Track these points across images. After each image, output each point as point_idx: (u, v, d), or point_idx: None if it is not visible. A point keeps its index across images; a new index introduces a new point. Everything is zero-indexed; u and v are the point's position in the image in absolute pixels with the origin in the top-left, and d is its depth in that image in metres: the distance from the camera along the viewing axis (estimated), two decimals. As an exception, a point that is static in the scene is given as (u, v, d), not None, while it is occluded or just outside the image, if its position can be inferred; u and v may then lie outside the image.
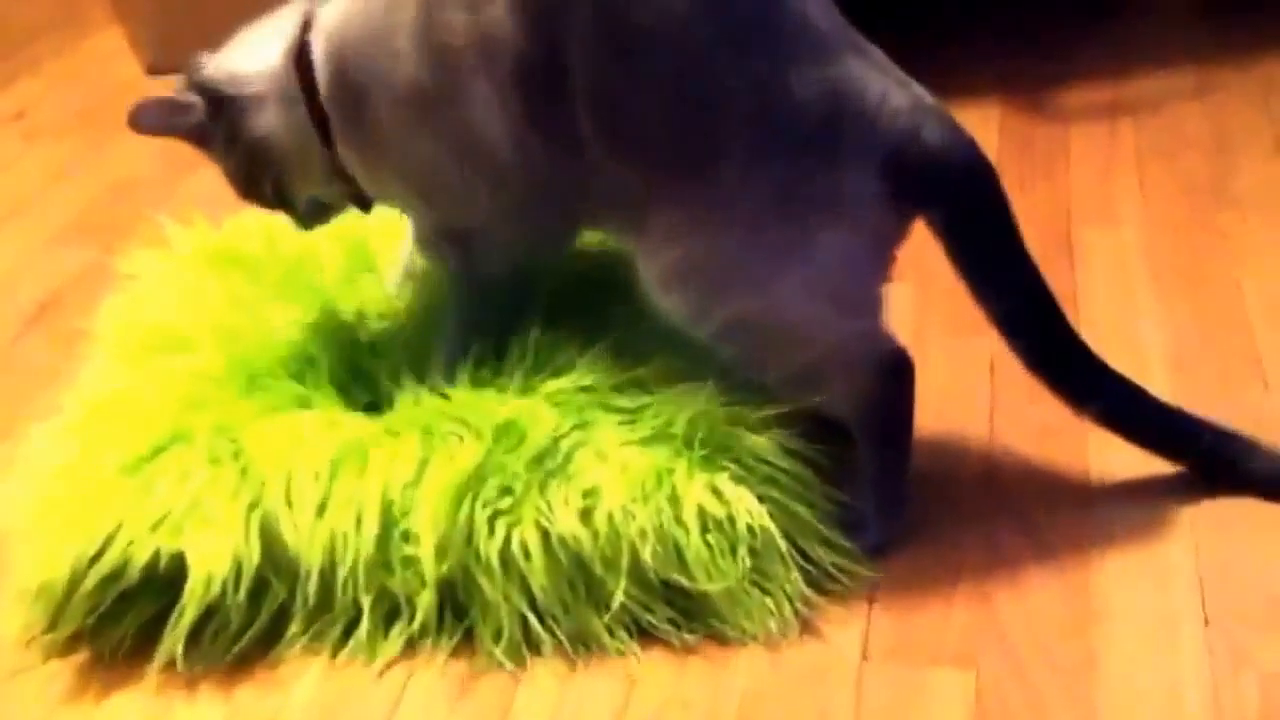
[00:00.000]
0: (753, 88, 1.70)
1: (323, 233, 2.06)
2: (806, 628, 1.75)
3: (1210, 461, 1.90)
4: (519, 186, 1.80)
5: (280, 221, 2.06)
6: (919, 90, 1.77)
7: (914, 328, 2.12)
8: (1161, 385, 1.98)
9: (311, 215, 1.98)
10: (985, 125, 2.76)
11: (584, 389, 1.83)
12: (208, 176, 2.57)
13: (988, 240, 1.80)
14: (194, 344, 1.96)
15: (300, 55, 1.84)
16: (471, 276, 1.91)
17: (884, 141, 1.72)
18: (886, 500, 1.87)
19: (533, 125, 1.75)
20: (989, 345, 1.88)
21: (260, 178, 1.90)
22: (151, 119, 1.88)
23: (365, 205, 1.96)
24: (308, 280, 2.09)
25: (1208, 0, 3.26)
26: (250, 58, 1.87)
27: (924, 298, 2.20)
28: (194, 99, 1.86)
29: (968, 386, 2.10)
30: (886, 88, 1.73)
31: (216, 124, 1.87)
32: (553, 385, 1.84)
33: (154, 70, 3.26)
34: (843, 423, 1.86)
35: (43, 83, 3.36)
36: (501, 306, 1.91)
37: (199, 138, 1.89)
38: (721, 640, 1.74)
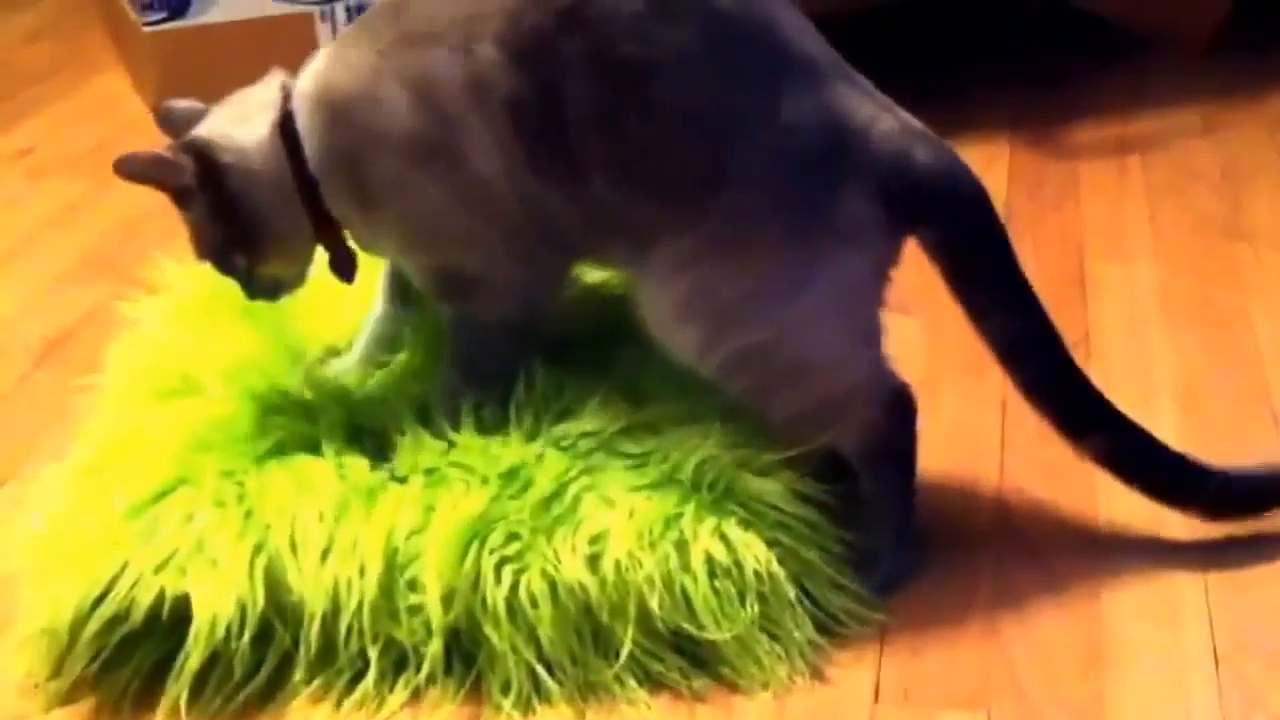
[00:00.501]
0: (750, 115, 1.72)
1: (329, 279, 2.05)
2: (816, 671, 1.74)
3: (1212, 506, 1.88)
4: (520, 227, 1.80)
5: None
6: (905, 115, 1.79)
7: (926, 365, 2.12)
8: (1171, 420, 1.99)
9: (264, 289, 1.95)
10: (996, 162, 2.77)
11: (591, 434, 1.83)
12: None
13: (982, 261, 1.81)
14: (199, 388, 1.95)
15: (285, 126, 1.83)
16: (475, 321, 1.90)
17: (878, 164, 1.74)
18: (895, 536, 1.86)
19: (530, 164, 1.75)
20: (1000, 383, 1.88)
21: (234, 247, 1.88)
22: (139, 171, 1.85)
23: (347, 273, 1.94)
24: (313, 325, 2.08)
25: (1215, 37, 3.25)
26: (242, 127, 1.85)
27: (936, 335, 2.20)
28: (185, 161, 1.84)
29: (979, 425, 2.10)
30: (876, 112, 1.76)
31: (204, 189, 1.84)
32: (560, 430, 1.83)
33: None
34: (847, 458, 1.85)
35: (49, 122, 3.36)
36: (504, 351, 1.90)
37: (180, 196, 1.86)
38: (731, 687, 1.72)
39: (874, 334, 1.83)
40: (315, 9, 3.18)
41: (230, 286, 2.07)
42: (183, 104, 1.92)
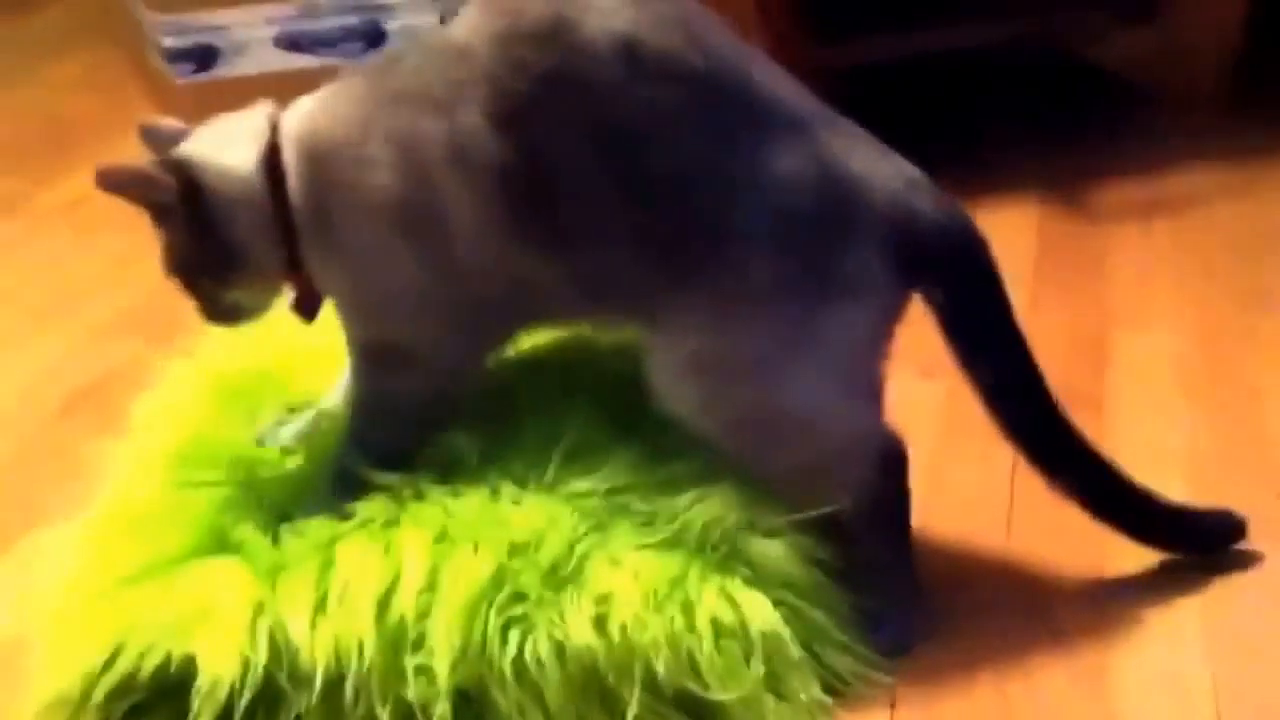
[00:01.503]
0: (741, 173, 1.70)
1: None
2: (828, 723, 1.75)
3: (1181, 542, 1.94)
4: (480, 300, 1.80)
5: (305, 337, 2.08)
6: (901, 161, 1.78)
7: (943, 428, 2.12)
8: (1178, 491, 1.98)
9: (225, 314, 1.96)
10: (1024, 226, 2.77)
11: (601, 492, 1.83)
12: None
13: (980, 308, 1.81)
14: (210, 459, 1.95)
15: (270, 158, 1.83)
16: (381, 394, 1.89)
17: (880, 217, 1.73)
18: (900, 596, 1.86)
19: (514, 231, 1.75)
20: (1001, 445, 1.88)
21: (204, 268, 1.89)
22: (122, 184, 1.87)
23: (308, 313, 1.94)
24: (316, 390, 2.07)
25: (1243, 98, 3.25)
26: (228, 152, 1.85)
27: (955, 398, 2.16)
28: (167, 178, 1.85)
29: (989, 487, 2.10)
30: (872, 162, 1.75)
31: (183, 207, 1.85)
32: (575, 487, 1.83)
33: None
34: (841, 520, 1.84)
35: (92, 176, 3.37)
36: (410, 429, 1.89)
37: (158, 213, 1.88)
38: None
39: (875, 389, 1.82)
40: (342, 62, 3.24)
41: (261, 358, 2.10)
42: (167, 123, 1.93)
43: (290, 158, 1.83)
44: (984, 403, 1.83)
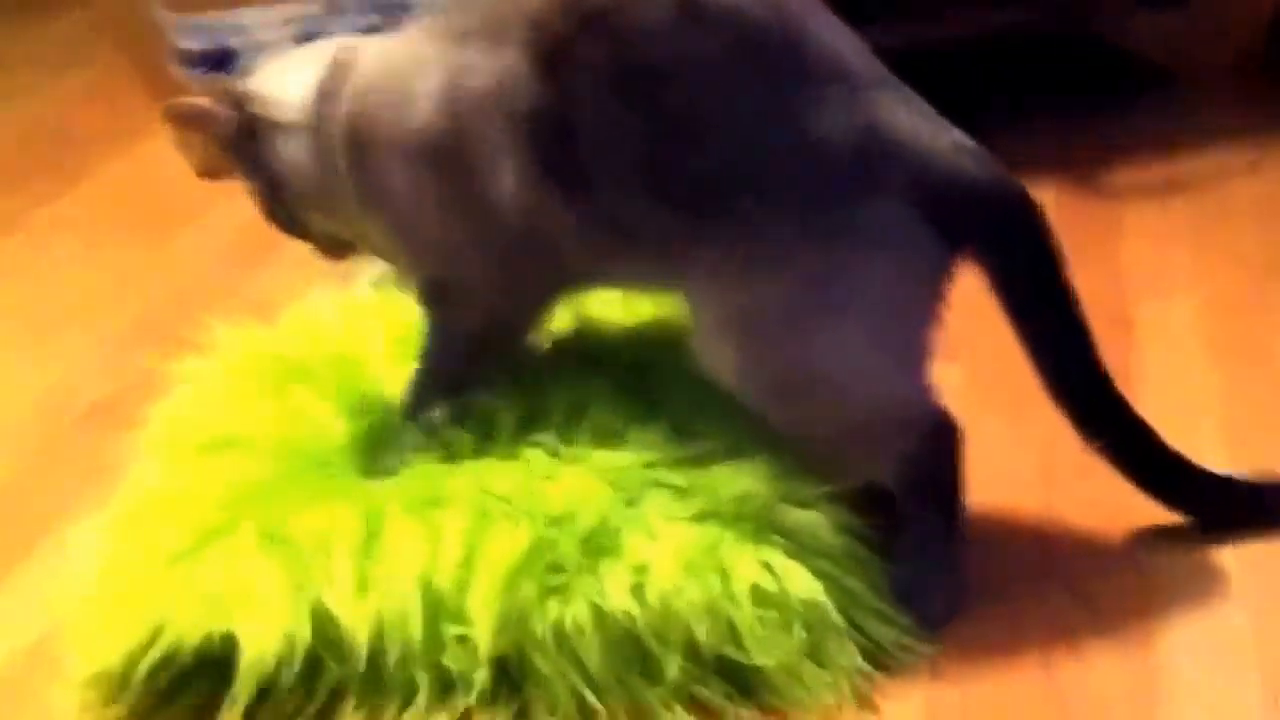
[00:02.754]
0: (778, 125, 1.69)
1: (371, 328, 2.09)
2: (865, 703, 1.73)
3: (1218, 511, 1.92)
4: (515, 246, 1.80)
5: (329, 319, 2.11)
6: (957, 132, 1.76)
7: (968, 409, 2.10)
8: (1215, 458, 1.97)
9: (331, 249, 2.00)
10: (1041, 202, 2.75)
11: (636, 466, 1.83)
12: (269, 277, 2.60)
13: (1033, 277, 1.79)
14: (240, 444, 1.96)
15: (331, 92, 1.86)
16: (446, 329, 1.91)
17: (922, 178, 1.71)
18: (943, 569, 1.84)
19: (543, 178, 1.74)
20: (1044, 424, 1.87)
21: (280, 203, 1.93)
22: (185, 118, 1.92)
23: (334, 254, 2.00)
24: (353, 378, 2.07)
25: (1258, 75, 3.24)
26: (287, 83, 1.89)
27: (977, 379, 2.19)
28: (228, 113, 1.89)
29: (1022, 466, 2.09)
30: (922, 125, 1.73)
31: (246, 141, 1.89)
32: (607, 460, 1.83)
33: (205, 175, 3.29)
34: (889, 489, 1.83)
35: (102, 187, 3.39)
36: (467, 364, 1.91)
37: (228, 148, 1.91)
38: (780, 716, 1.72)
39: (919, 356, 1.79)
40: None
41: (273, 344, 2.09)
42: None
43: (349, 91, 1.84)
44: (1035, 368, 1.81)
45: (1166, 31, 3.31)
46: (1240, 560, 1.89)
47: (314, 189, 1.90)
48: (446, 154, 1.78)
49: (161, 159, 3.41)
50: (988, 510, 1.97)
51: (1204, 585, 1.87)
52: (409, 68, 1.82)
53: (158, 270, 2.91)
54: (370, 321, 2.15)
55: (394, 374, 2.03)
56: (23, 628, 1.95)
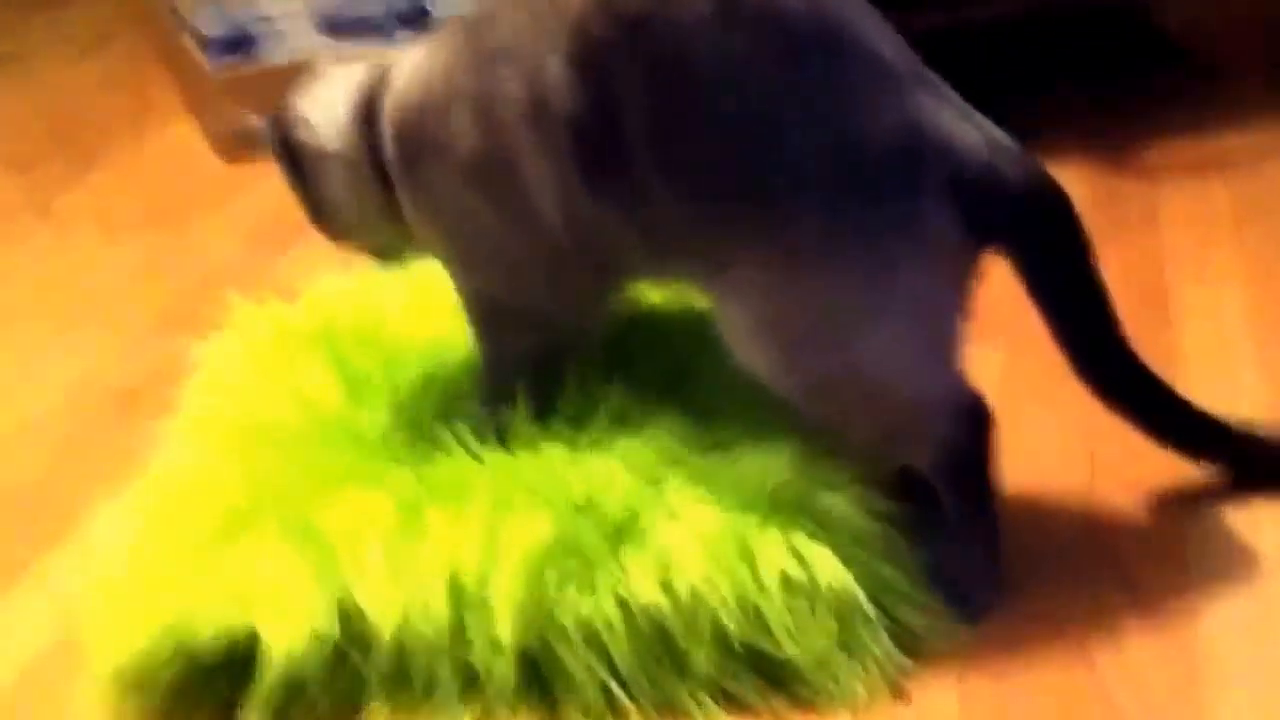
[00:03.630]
0: (819, 123, 1.67)
1: (395, 305, 2.09)
2: (900, 693, 1.72)
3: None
4: (564, 257, 1.81)
5: (350, 298, 2.12)
6: (992, 127, 1.74)
7: (1006, 393, 2.08)
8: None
9: (382, 253, 2.04)
10: (1074, 184, 2.63)
11: (660, 450, 1.81)
12: (291, 262, 2.59)
13: (1063, 272, 1.78)
14: (263, 431, 1.96)
15: (368, 113, 1.88)
16: (493, 348, 1.94)
17: (958, 175, 1.69)
18: (981, 555, 1.83)
19: (586, 184, 1.74)
20: (1084, 407, 1.85)
21: (324, 221, 1.96)
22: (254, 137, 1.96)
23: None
24: (377, 355, 2.07)
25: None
26: (322, 107, 1.92)
27: (1016, 363, 2.17)
28: (270, 131, 1.94)
29: (1064, 449, 2.06)
30: (957, 122, 1.72)
31: (284, 161, 1.93)
32: (628, 446, 1.82)
33: (231, 159, 3.28)
34: (925, 477, 1.81)
35: (120, 174, 3.40)
36: (527, 381, 1.91)
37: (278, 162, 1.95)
38: (812, 708, 1.70)
39: (952, 347, 1.79)
40: (385, 47, 3.20)
41: (297, 321, 2.09)
42: None
43: (387, 110, 1.88)
44: (1075, 371, 1.81)
45: (1202, 11, 3.28)
46: (1282, 543, 1.87)
47: (354, 213, 1.94)
48: (489, 171, 1.80)
49: (182, 145, 3.42)
50: (1029, 495, 1.96)
51: (1246, 570, 1.84)
52: (441, 91, 1.83)
53: (180, 257, 2.90)
54: (393, 297, 2.17)
55: (419, 350, 2.04)
56: (49, 620, 1.96)
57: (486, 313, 1.93)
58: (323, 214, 1.96)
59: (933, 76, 1.74)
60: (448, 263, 1.93)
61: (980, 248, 1.74)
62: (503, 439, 1.88)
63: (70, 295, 2.89)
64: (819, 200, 1.67)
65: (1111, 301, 1.79)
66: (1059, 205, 1.76)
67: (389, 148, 1.87)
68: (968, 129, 1.72)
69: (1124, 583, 1.83)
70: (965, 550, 1.82)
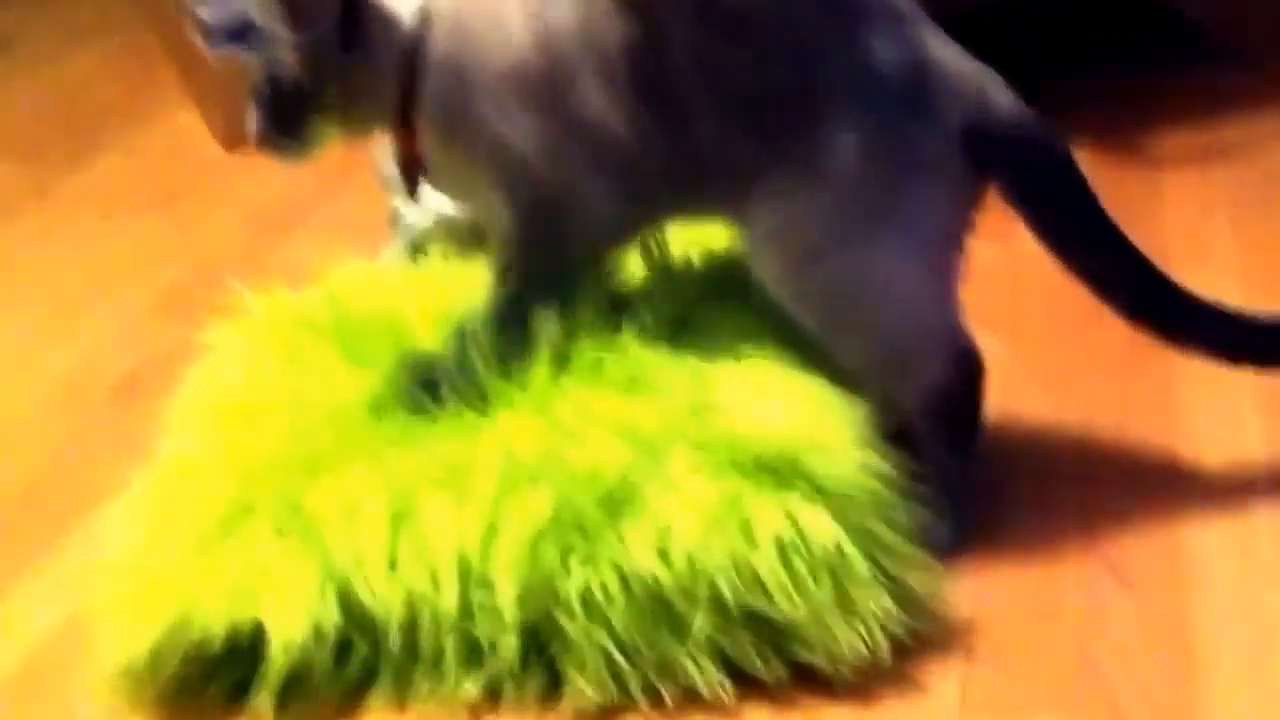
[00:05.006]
0: (843, 50, 1.80)
1: (402, 294, 2.08)
2: (903, 676, 1.72)
3: None
4: (620, 159, 1.87)
5: (353, 285, 2.09)
6: (981, 65, 1.86)
7: (1007, 380, 2.09)
8: (1254, 429, 1.98)
9: (290, 134, 1.96)
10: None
11: (657, 416, 1.81)
12: (294, 248, 2.58)
13: (1063, 199, 1.88)
14: (266, 416, 1.94)
15: (424, 11, 1.90)
16: (541, 246, 1.92)
17: (961, 103, 1.82)
18: (955, 499, 1.87)
19: (636, 108, 1.84)
20: (1083, 397, 1.85)
21: (329, 84, 1.92)
22: None
23: (411, 178, 1.99)
24: (377, 344, 2.04)
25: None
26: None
27: (1018, 351, 2.18)
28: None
29: (1061, 439, 2.08)
30: (955, 55, 1.85)
31: (341, 25, 1.89)
32: (626, 413, 1.81)
33: (232, 146, 3.27)
34: (910, 417, 1.88)
35: (120, 161, 3.38)
36: (558, 287, 1.91)
37: (294, 14, 1.91)
38: (811, 669, 1.71)
39: (952, 279, 1.88)
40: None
41: (298, 308, 2.10)
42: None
43: (440, 12, 1.90)
44: (1093, 292, 1.89)
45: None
46: (1277, 538, 1.88)
47: (374, 87, 1.91)
48: (544, 84, 1.86)
49: (184, 130, 3.42)
50: (1025, 486, 1.98)
51: (1243, 565, 1.86)
52: (492, 11, 1.89)
53: (182, 242, 2.90)
54: (401, 288, 2.14)
55: (425, 340, 2.02)
56: (53, 614, 1.95)
57: (525, 212, 1.91)
58: (353, 87, 1.91)
59: (929, 20, 1.86)
60: (492, 182, 1.91)
61: (978, 176, 1.84)
62: (516, 359, 1.88)
63: (70, 280, 2.88)
64: (833, 126, 1.79)
65: (1109, 219, 1.88)
66: (1046, 133, 1.86)
67: (438, 50, 1.88)
68: (964, 62, 1.85)
69: (1121, 576, 1.84)
70: (941, 490, 1.85)
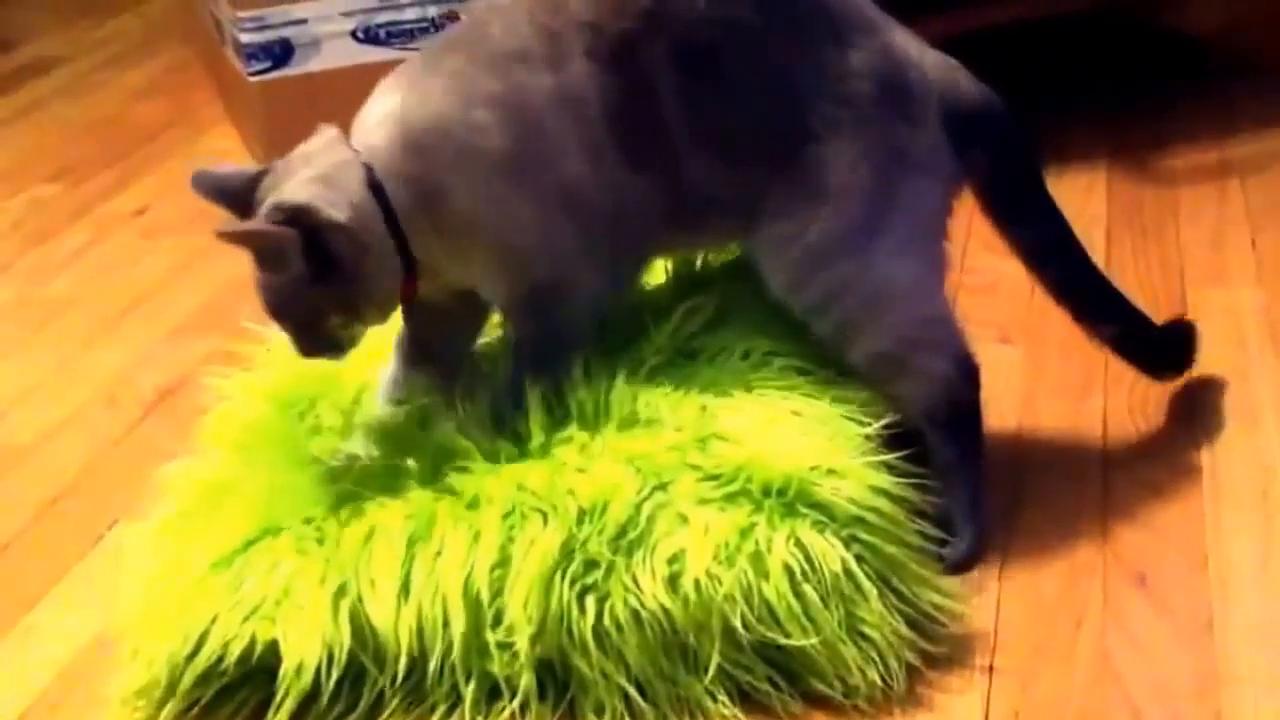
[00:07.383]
0: (818, 71, 1.86)
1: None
2: (923, 699, 1.72)
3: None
4: (605, 228, 1.87)
5: None
6: (945, 54, 1.94)
7: (1026, 392, 2.11)
8: (1275, 436, 1.98)
9: (330, 347, 1.90)
10: (1093, 189, 2.77)
11: (665, 448, 1.81)
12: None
13: (1019, 177, 1.98)
14: (281, 437, 1.95)
15: (370, 176, 1.82)
16: (551, 331, 1.91)
17: (939, 95, 1.90)
18: (968, 506, 1.90)
19: (625, 159, 1.85)
20: (1101, 407, 1.86)
21: (333, 308, 1.85)
22: (242, 240, 1.81)
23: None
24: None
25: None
26: (334, 189, 1.81)
27: (1035, 363, 2.20)
28: (287, 230, 1.78)
29: (1080, 449, 2.08)
30: (923, 49, 1.93)
31: (308, 254, 1.79)
32: (634, 446, 1.81)
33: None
34: (918, 423, 1.91)
35: (161, 181, 3.42)
36: (571, 352, 1.90)
37: (270, 262, 1.81)
38: (833, 707, 1.71)
39: (944, 270, 1.95)
40: (418, 54, 3.21)
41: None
42: (225, 168, 1.91)
43: (383, 164, 1.83)
44: (1026, 265, 2.00)
45: (1218, 17, 3.29)
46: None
47: (376, 282, 1.85)
48: (525, 165, 1.84)
49: (223, 152, 3.44)
50: (1045, 495, 1.99)
51: (1265, 572, 1.86)
52: (459, 103, 1.84)
53: (216, 264, 2.92)
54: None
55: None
56: (84, 627, 1.97)
57: (531, 301, 1.89)
58: (357, 297, 1.84)
59: (892, 19, 1.93)
60: (497, 270, 1.89)
61: (956, 160, 1.92)
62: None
63: (111, 297, 2.91)
64: (826, 140, 1.85)
65: (1051, 199, 1.99)
66: (1008, 115, 1.95)
67: (402, 193, 1.82)
68: (932, 55, 1.93)
69: (1140, 584, 1.85)
70: (953, 498, 1.89)
